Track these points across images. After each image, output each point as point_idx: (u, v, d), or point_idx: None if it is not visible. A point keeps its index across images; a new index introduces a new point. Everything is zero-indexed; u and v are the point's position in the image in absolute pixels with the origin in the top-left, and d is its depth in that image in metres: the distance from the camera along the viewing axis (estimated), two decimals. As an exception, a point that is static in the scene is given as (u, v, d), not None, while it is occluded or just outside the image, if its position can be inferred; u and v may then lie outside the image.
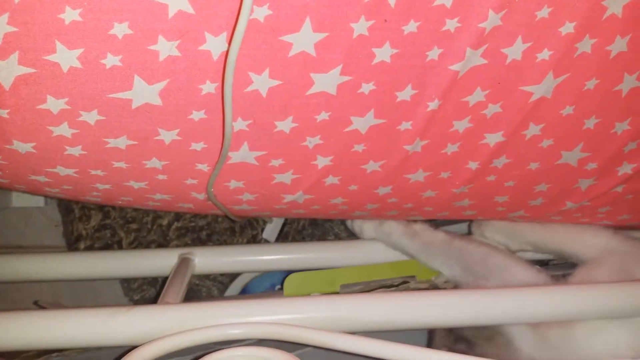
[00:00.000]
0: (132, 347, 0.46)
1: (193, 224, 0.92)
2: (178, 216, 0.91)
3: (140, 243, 0.91)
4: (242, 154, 0.50)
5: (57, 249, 0.99)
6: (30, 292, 0.98)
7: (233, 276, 0.92)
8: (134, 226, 0.90)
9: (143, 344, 0.47)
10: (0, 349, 0.50)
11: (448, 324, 0.56)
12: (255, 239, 0.93)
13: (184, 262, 0.71)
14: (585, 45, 0.46)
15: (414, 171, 0.55)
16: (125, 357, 0.44)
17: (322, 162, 0.52)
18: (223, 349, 0.45)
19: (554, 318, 0.56)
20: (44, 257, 0.78)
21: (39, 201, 0.98)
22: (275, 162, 0.51)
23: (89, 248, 0.90)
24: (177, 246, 0.91)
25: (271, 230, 0.92)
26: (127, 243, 0.90)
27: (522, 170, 0.56)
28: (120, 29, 0.38)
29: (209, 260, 0.75)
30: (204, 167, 0.51)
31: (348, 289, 0.70)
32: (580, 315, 0.56)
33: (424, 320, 0.54)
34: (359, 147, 0.51)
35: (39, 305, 0.86)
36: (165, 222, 0.91)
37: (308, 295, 0.69)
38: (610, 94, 0.51)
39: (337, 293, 0.70)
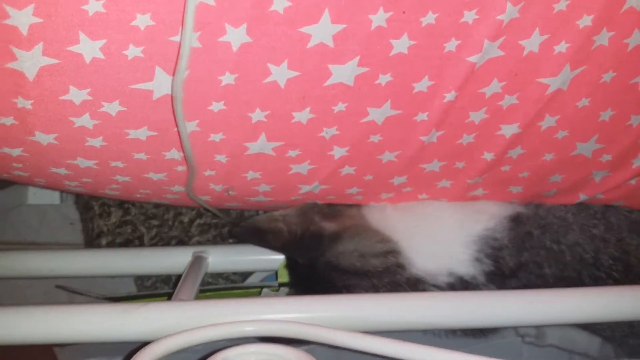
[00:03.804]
0: (146, 343, 0.46)
1: (215, 220, 0.92)
2: (200, 213, 0.91)
3: (161, 238, 0.91)
4: (260, 145, 0.50)
5: (71, 246, 1.00)
6: (44, 289, 0.98)
7: (245, 275, 0.92)
8: (155, 222, 0.91)
9: (157, 339, 0.47)
10: (13, 343, 0.51)
11: (458, 324, 0.56)
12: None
13: (197, 260, 0.71)
14: (603, 38, 0.47)
15: (429, 161, 0.55)
16: (139, 352, 0.45)
17: (338, 152, 0.53)
18: (232, 346, 0.45)
19: (561, 321, 0.57)
20: (58, 253, 0.79)
21: (55, 199, 0.99)
22: (292, 153, 0.52)
23: (111, 244, 0.90)
24: (199, 242, 0.91)
25: None
26: (148, 239, 0.91)
27: (536, 160, 0.56)
28: (142, 20, 0.39)
29: (222, 258, 0.75)
30: (222, 158, 0.51)
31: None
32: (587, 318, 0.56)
33: (438, 320, 0.54)
34: (375, 138, 0.52)
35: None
36: (186, 219, 0.91)
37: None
38: (627, 87, 0.51)
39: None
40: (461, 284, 0.60)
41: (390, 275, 0.60)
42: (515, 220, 0.62)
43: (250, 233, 0.67)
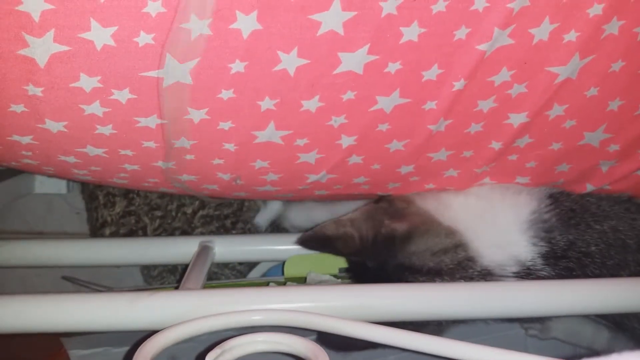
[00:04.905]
0: (153, 332, 0.47)
1: (218, 212, 0.92)
2: (203, 204, 0.92)
3: (164, 230, 0.91)
4: (269, 133, 0.50)
5: (78, 236, 1.01)
6: (51, 278, 0.99)
7: (251, 265, 0.93)
8: (158, 213, 0.91)
9: (164, 329, 0.47)
10: (21, 332, 0.51)
11: (465, 315, 0.56)
12: (278, 228, 0.94)
13: (204, 249, 0.72)
14: (613, 27, 0.46)
15: (437, 150, 0.56)
16: (146, 341, 0.45)
17: (346, 141, 0.53)
18: (238, 335, 0.45)
19: (575, 311, 0.56)
20: (65, 242, 0.79)
21: (61, 188, 1.00)
22: (300, 142, 0.52)
23: (114, 234, 0.91)
24: (202, 233, 0.92)
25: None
26: (151, 229, 0.91)
27: (544, 150, 0.56)
28: (153, 7, 0.39)
29: (229, 248, 0.75)
30: (230, 147, 0.52)
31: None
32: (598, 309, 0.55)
33: (444, 311, 0.54)
34: (383, 127, 0.52)
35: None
36: (189, 210, 0.92)
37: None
38: (636, 76, 0.51)
39: (336, 276, 0.72)
40: (525, 272, 0.58)
41: (462, 270, 0.59)
42: (554, 197, 0.61)
43: (318, 241, 0.66)
